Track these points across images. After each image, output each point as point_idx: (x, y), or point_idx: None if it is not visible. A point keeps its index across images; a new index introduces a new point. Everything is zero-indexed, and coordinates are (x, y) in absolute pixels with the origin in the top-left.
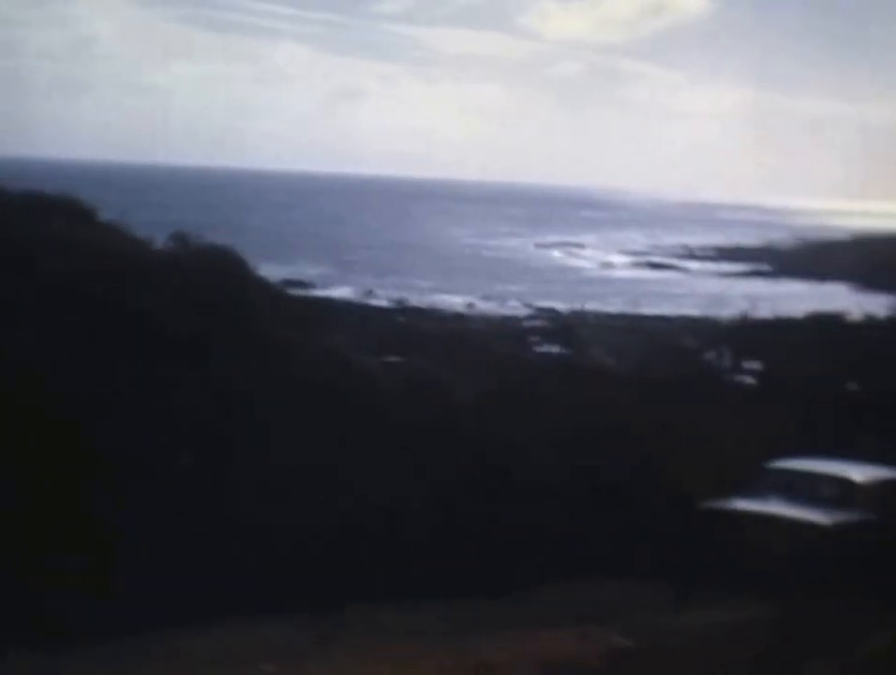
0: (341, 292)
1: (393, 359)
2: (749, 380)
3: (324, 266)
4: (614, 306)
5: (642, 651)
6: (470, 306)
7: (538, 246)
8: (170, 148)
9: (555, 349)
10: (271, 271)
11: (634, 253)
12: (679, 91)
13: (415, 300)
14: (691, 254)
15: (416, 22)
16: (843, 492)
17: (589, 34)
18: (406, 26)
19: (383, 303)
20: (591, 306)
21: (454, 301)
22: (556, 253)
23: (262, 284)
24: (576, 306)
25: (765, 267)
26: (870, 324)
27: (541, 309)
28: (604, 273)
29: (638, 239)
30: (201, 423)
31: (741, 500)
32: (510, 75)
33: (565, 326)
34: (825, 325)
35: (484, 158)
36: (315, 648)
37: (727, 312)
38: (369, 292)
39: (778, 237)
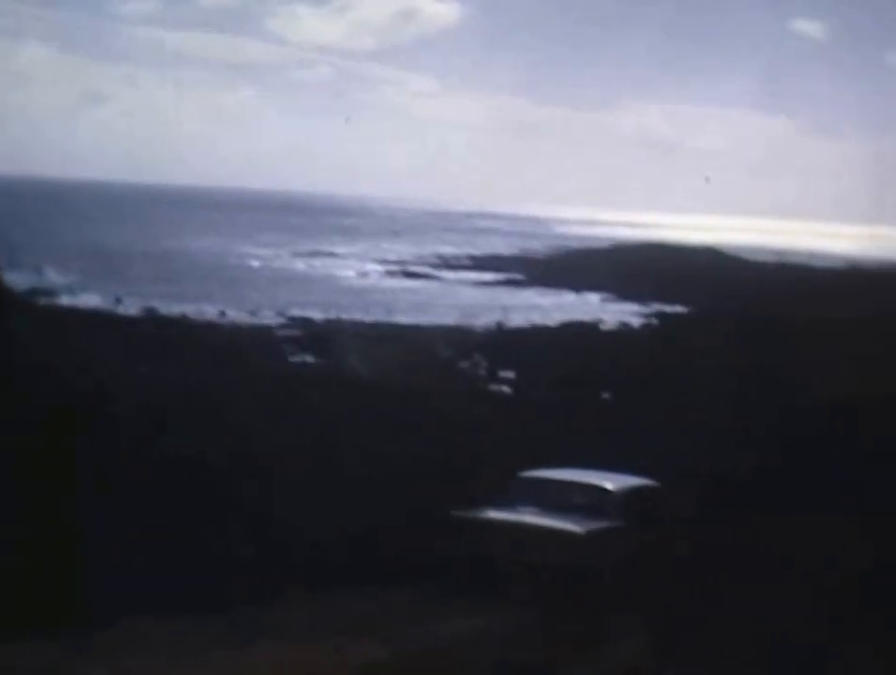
0: (88, 300)
1: (140, 368)
2: (503, 388)
3: (72, 274)
4: (369, 315)
5: (397, 661)
6: (222, 315)
7: (292, 254)
8: None
9: (309, 358)
10: (16, 279)
11: (389, 262)
12: (433, 98)
13: (165, 309)
14: (446, 263)
15: (163, 25)
16: (595, 501)
17: (340, 39)
18: (152, 29)
19: (132, 312)
20: (346, 315)
21: (205, 310)
22: (310, 262)
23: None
24: (331, 315)
25: (519, 276)
26: (623, 333)
27: (295, 319)
28: (359, 282)
29: (392, 248)
30: None
31: (494, 508)
32: (259, 80)
33: (320, 336)
34: (578, 334)
35: (234, 165)
36: None
37: (482, 322)
38: (118, 301)
39: (533, 246)
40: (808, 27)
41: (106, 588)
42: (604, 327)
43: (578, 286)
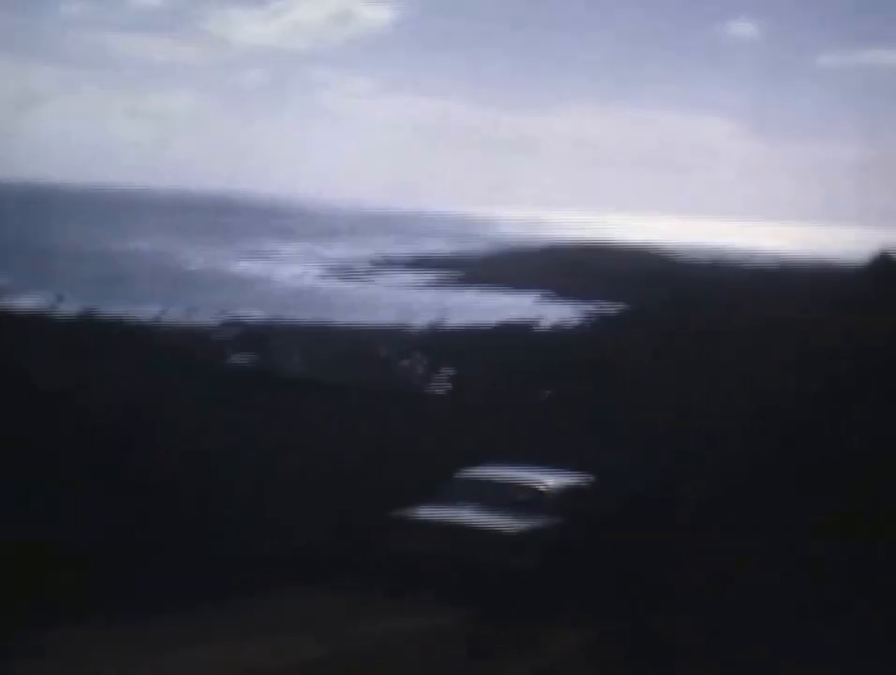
0: (27, 301)
1: (79, 368)
2: (442, 388)
3: (7, 277)
4: (308, 315)
5: (336, 660)
6: (162, 315)
7: (231, 255)
8: None
9: (248, 358)
10: None
11: (328, 262)
12: (369, 99)
13: (104, 309)
14: (384, 263)
15: (98, 26)
16: (532, 499)
17: (276, 41)
18: (87, 31)
19: (72, 312)
20: (286, 315)
21: (145, 310)
22: (249, 263)
23: None
24: (270, 315)
25: (458, 276)
26: (561, 332)
27: (234, 319)
28: (298, 282)
29: (331, 248)
30: None
31: (432, 508)
32: (195, 82)
33: (259, 336)
34: (517, 333)
35: (172, 166)
36: None
37: (420, 321)
38: (56, 302)
39: (471, 246)
40: (741, 30)
41: None
42: (542, 326)
43: (517, 285)
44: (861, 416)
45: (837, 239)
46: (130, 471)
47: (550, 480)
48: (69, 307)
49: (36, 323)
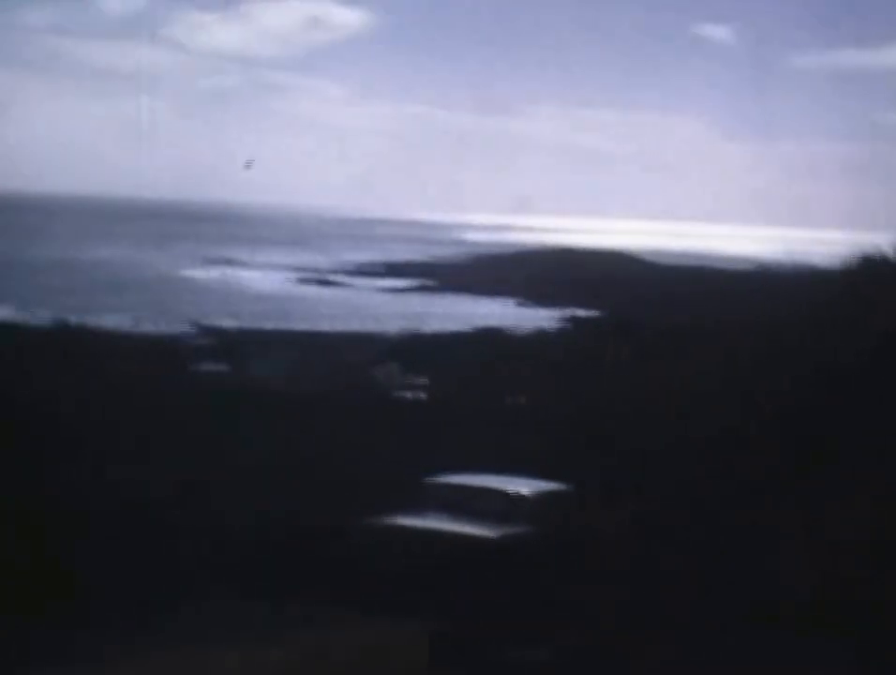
0: None
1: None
2: (415, 394)
3: None
4: (279, 323)
5: (302, 669)
6: (133, 325)
7: (201, 264)
8: None
9: (218, 367)
10: None
11: (298, 269)
12: (340, 106)
13: (74, 320)
14: (356, 270)
15: (62, 33)
16: (505, 506)
17: (243, 47)
18: (51, 37)
19: (42, 322)
20: (258, 324)
21: (113, 320)
22: (220, 271)
23: None
24: (242, 324)
25: (431, 283)
26: (536, 338)
27: (205, 328)
28: (271, 290)
29: (303, 256)
30: None
31: (403, 515)
32: (160, 88)
33: (230, 345)
34: (492, 340)
35: (140, 175)
36: None
37: (393, 328)
38: (25, 311)
39: (445, 253)
40: (715, 31)
41: None
42: (516, 333)
43: (491, 292)
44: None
45: (820, 242)
46: (109, 480)
47: (526, 487)
48: (40, 317)
49: (7, 332)
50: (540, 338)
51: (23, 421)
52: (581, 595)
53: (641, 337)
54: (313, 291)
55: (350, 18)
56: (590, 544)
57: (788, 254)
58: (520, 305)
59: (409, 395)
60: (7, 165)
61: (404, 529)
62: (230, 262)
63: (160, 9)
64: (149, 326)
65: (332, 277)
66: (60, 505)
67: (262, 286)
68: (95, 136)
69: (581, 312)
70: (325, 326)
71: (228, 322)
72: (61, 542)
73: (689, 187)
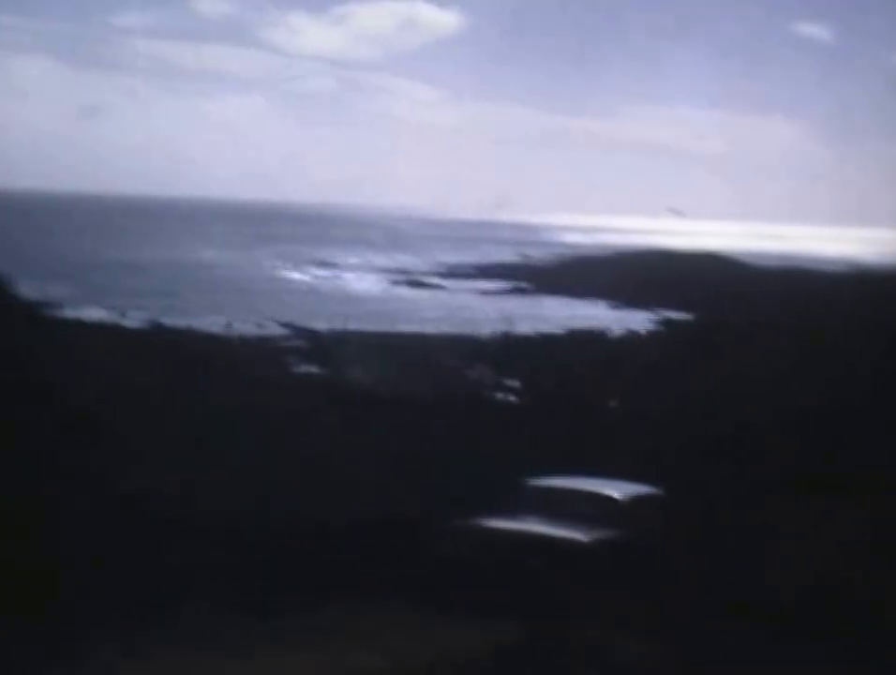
0: (91, 313)
1: (146, 380)
2: (509, 397)
3: (71, 287)
4: (373, 325)
5: (396, 673)
6: (228, 326)
7: (296, 265)
8: None
9: (313, 369)
10: (18, 293)
11: (392, 271)
12: (434, 107)
13: (169, 321)
14: (448, 272)
15: (160, 36)
16: (600, 509)
17: (341, 49)
18: (149, 40)
19: (137, 324)
20: (350, 325)
21: (209, 322)
22: (314, 273)
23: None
24: (335, 325)
25: (523, 284)
26: (629, 340)
27: (299, 330)
28: (364, 292)
29: (397, 258)
30: None
31: (499, 518)
32: (259, 91)
33: (324, 347)
34: (584, 342)
35: (233, 176)
36: None
37: (487, 330)
38: (122, 314)
39: (537, 254)
40: (813, 30)
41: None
42: (610, 335)
43: (583, 294)
44: None
45: None
46: (207, 480)
47: (620, 490)
48: (137, 319)
49: (105, 334)
50: (633, 340)
51: (120, 421)
52: (673, 599)
53: (735, 338)
54: (406, 292)
55: (442, 19)
56: (683, 547)
57: (883, 256)
58: (613, 307)
59: (502, 397)
60: (104, 167)
61: (497, 531)
62: (324, 264)
63: (255, 12)
64: (245, 328)
65: (425, 279)
66: (162, 506)
67: (356, 288)
68: (191, 138)
69: (674, 314)
70: (419, 328)
71: (322, 324)
72: (166, 539)
73: (784, 188)
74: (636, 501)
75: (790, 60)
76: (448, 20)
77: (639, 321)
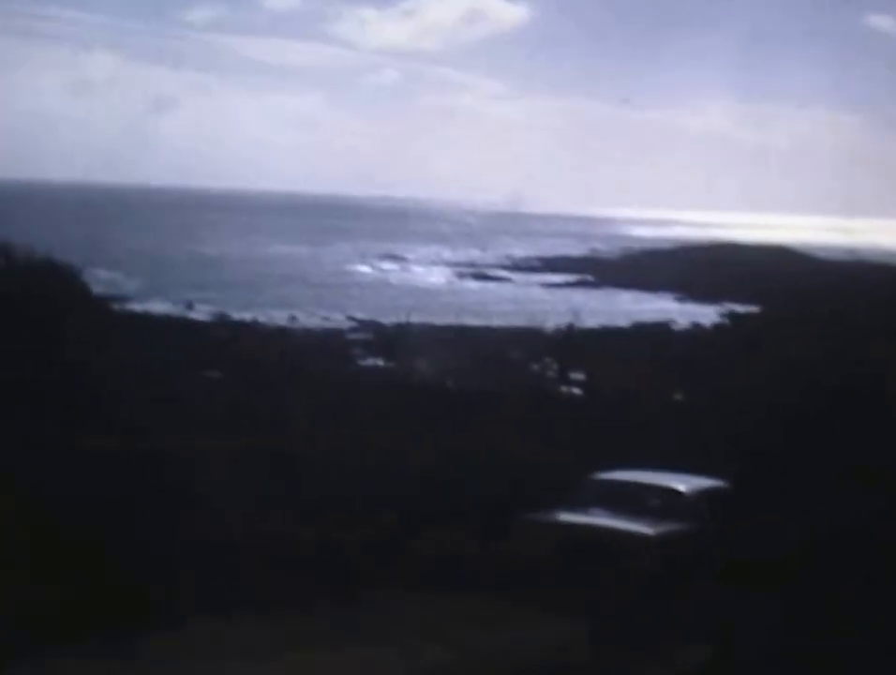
0: (159, 305)
1: (214, 374)
2: (575, 390)
3: (140, 279)
4: (439, 318)
5: (464, 665)
6: (293, 319)
7: (362, 258)
8: None
9: (379, 362)
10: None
11: (458, 264)
12: (501, 100)
13: (236, 314)
14: (515, 265)
15: (229, 30)
16: (667, 502)
17: (408, 43)
18: (219, 35)
19: (204, 317)
20: (416, 318)
21: (276, 315)
22: (381, 266)
23: (87, 297)
24: (401, 318)
25: (589, 277)
26: (696, 334)
27: (364, 322)
28: (429, 284)
29: (461, 250)
30: None
31: (564, 511)
32: (328, 84)
33: (389, 339)
34: (650, 335)
35: (303, 170)
36: None
37: (553, 323)
38: (189, 306)
39: (602, 247)
40: (882, 22)
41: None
42: (676, 327)
43: (649, 286)
44: None
45: None
46: (272, 471)
47: (686, 483)
48: (203, 312)
49: (172, 326)
50: (699, 334)
51: (184, 413)
52: (739, 594)
53: (803, 332)
54: (473, 285)
55: (510, 12)
56: (747, 542)
57: None
58: (679, 300)
59: (567, 390)
60: (175, 162)
61: (563, 524)
62: (392, 258)
63: (323, 7)
64: (313, 321)
65: (491, 273)
66: (231, 496)
67: (423, 281)
68: (260, 132)
69: (740, 308)
70: (485, 321)
71: (390, 318)
72: (231, 527)
73: (852, 182)
74: (704, 494)
75: (859, 54)
76: (515, 12)
77: (706, 314)
